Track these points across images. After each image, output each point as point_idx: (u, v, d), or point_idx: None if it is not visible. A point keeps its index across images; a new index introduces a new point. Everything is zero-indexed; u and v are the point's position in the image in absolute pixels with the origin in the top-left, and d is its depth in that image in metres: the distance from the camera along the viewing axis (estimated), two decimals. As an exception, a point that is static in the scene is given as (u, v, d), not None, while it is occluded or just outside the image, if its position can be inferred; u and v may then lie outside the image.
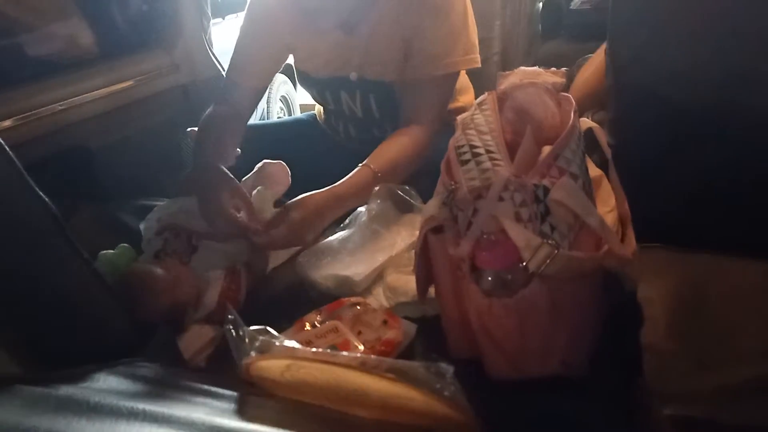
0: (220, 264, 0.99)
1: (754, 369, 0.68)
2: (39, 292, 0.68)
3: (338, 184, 1.07)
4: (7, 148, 0.66)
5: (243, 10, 2.95)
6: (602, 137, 0.86)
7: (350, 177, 1.08)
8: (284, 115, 3.49)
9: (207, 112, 1.23)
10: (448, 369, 0.56)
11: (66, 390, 0.56)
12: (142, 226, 1.07)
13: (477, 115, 0.84)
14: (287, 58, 1.33)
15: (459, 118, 0.86)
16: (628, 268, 0.75)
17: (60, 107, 1.30)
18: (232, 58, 1.28)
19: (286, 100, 3.52)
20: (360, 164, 1.10)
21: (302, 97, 3.70)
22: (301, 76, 1.35)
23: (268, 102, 3.27)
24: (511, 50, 1.62)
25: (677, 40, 0.94)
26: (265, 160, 1.16)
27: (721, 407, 0.65)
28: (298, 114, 3.54)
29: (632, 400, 0.70)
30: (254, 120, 3.02)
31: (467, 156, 0.76)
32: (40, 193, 0.68)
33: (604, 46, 1.03)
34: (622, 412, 0.69)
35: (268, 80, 1.33)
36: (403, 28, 1.16)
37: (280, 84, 3.40)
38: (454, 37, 1.16)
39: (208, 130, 1.19)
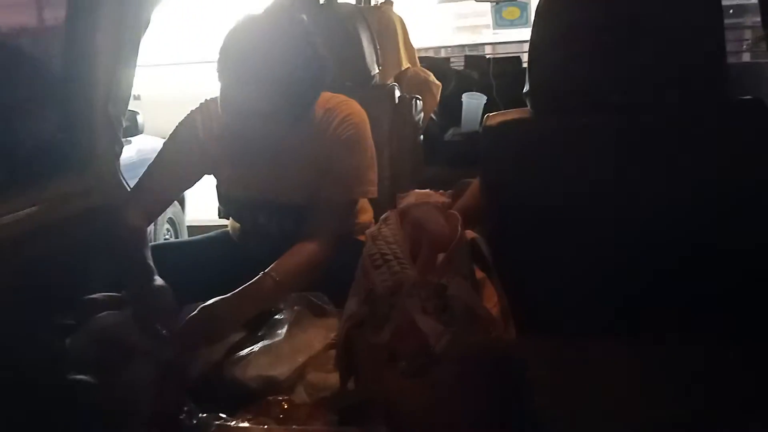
0: (152, 373, 1.04)
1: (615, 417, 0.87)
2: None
3: (241, 290, 1.18)
4: None
5: (137, 135, 3.03)
6: (483, 246, 1.07)
7: (252, 283, 1.20)
8: (171, 237, 3.48)
9: (121, 216, 1.34)
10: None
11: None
12: (69, 339, 1.11)
13: (383, 229, 1.02)
14: (203, 176, 1.47)
15: (368, 232, 1.04)
16: (512, 350, 0.93)
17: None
18: (150, 166, 1.40)
19: (173, 222, 3.54)
20: (262, 272, 1.23)
21: (190, 218, 3.76)
22: (222, 197, 1.49)
23: (154, 224, 3.28)
24: (399, 175, 1.87)
25: (532, 165, 1.21)
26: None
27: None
28: (185, 235, 3.58)
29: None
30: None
31: (379, 262, 0.93)
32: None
33: None
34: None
35: (180, 192, 1.46)
36: (319, 158, 1.36)
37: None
38: (360, 172, 1.38)
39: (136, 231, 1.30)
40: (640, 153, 1.15)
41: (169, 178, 1.39)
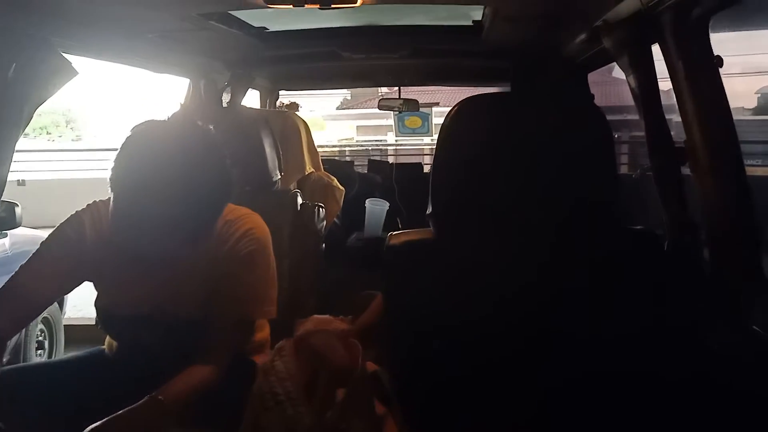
0: None
1: None
2: None
3: (123, 413, 1.07)
4: None
5: (14, 227, 2.82)
6: (384, 378, 1.01)
7: (135, 407, 1.09)
8: (44, 337, 3.17)
9: None
10: None
11: None
12: None
13: (277, 362, 0.94)
14: (82, 283, 1.32)
15: (260, 365, 0.95)
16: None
17: None
18: (23, 267, 1.25)
19: (48, 322, 3.23)
20: (148, 395, 1.11)
21: (69, 316, 3.45)
22: (101, 311, 1.34)
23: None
24: (301, 282, 1.80)
25: (434, 286, 1.19)
26: None
27: None
28: (62, 337, 3.26)
29: None
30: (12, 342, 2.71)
31: (270, 404, 0.85)
32: None
33: None
34: None
35: (54, 299, 1.34)
36: (216, 273, 1.27)
37: (43, 303, 3.14)
38: (259, 290, 1.29)
39: None
40: (538, 273, 1.16)
41: (43, 281, 1.24)
